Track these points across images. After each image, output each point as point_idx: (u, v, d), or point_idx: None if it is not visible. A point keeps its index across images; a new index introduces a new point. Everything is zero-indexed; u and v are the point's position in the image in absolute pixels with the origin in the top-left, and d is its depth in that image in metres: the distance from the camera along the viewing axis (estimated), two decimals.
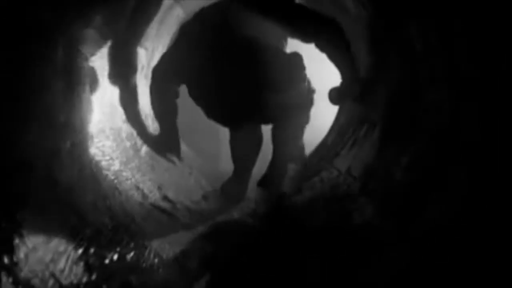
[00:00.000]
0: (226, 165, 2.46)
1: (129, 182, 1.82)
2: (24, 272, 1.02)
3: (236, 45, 1.93)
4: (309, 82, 2.12)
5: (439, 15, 1.09)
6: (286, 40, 2.11)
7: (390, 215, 1.17)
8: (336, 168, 1.78)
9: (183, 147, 2.98)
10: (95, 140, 1.71)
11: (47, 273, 1.09)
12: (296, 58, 2.07)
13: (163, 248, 1.47)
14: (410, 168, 1.17)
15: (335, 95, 1.80)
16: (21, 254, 1.04)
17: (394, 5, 1.32)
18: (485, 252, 0.82)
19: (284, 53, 2.08)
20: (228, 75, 1.93)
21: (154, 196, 1.90)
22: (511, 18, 0.84)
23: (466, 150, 0.96)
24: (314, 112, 2.25)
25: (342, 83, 1.77)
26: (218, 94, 2.00)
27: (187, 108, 2.32)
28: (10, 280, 0.96)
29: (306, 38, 1.81)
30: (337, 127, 2.29)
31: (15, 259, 1.01)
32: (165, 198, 1.94)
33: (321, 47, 1.76)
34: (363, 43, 1.80)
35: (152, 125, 2.47)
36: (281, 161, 2.24)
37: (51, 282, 1.08)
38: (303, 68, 2.08)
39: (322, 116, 2.11)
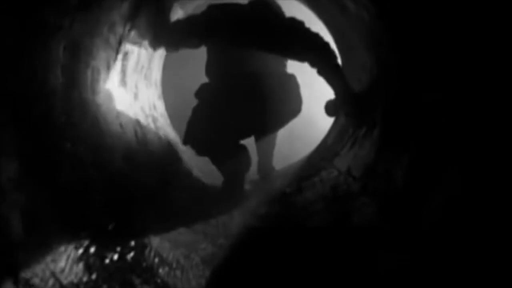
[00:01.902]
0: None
1: (129, 182, 1.82)
2: (24, 272, 1.02)
3: (239, 80, 2.16)
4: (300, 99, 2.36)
5: (438, 16, 1.09)
6: (283, 63, 2.35)
7: (390, 215, 1.17)
8: (336, 168, 1.78)
9: (183, 147, 2.98)
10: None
11: (47, 273, 1.09)
12: (292, 78, 2.33)
13: (163, 248, 1.47)
14: (410, 168, 1.17)
15: (330, 107, 1.93)
16: (21, 254, 1.04)
17: (395, 5, 1.32)
18: (486, 252, 0.82)
19: (280, 76, 2.31)
20: (233, 102, 2.15)
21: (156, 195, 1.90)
22: (509, 19, 0.85)
23: (466, 150, 0.96)
24: (314, 112, 2.30)
25: (336, 97, 1.88)
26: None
27: (187, 108, 2.32)
28: (11, 279, 0.97)
29: (297, 59, 1.99)
30: (337, 127, 2.30)
31: (15, 259, 1.01)
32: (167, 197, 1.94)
33: (312, 65, 1.90)
34: (363, 43, 1.80)
35: (153, 125, 2.47)
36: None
37: (51, 281, 1.08)
38: (297, 86, 2.34)
39: (322, 116, 2.13)
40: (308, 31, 1.91)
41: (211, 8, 2.06)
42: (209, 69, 2.28)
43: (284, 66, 2.35)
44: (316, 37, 1.89)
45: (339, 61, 1.87)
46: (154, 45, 2.14)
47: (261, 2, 2.07)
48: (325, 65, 1.84)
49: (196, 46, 2.19)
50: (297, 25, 1.93)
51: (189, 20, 2.12)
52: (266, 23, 1.96)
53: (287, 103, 2.26)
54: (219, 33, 2.04)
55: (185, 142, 2.26)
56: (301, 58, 1.93)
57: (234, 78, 2.15)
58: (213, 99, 2.18)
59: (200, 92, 2.26)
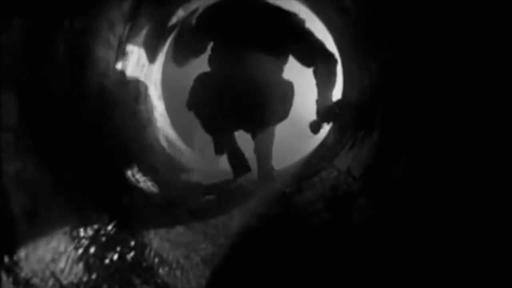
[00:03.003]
0: (226, 165, 2.48)
1: (130, 181, 1.83)
2: (25, 272, 1.02)
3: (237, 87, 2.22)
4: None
5: (438, 16, 1.09)
6: (282, 70, 2.41)
7: (390, 215, 1.17)
8: (336, 168, 1.78)
9: (183, 147, 2.98)
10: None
11: (47, 273, 1.09)
12: (288, 85, 2.39)
13: (163, 248, 1.47)
14: (410, 168, 1.17)
15: (314, 126, 2.16)
16: (21, 253, 1.04)
17: (395, 6, 1.33)
18: (485, 251, 0.82)
19: (278, 84, 2.37)
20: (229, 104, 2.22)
21: (155, 195, 1.90)
22: (509, 19, 0.85)
23: (466, 150, 0.96)
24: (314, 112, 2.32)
25: (317, 111, 2.11)
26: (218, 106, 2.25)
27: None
28: (11, 279, 0.97)
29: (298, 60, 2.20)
30: (337, 127, 2.30)
31: (15, 258, 1.02)
32: (166, 197, 1.95)
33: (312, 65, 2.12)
34: (363, 43, 1.80)
35: (154, 125, 2.47)
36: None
37: (51, 281, 1.09)
38: (292, 94, 2.41)
39: None
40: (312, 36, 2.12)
41: (209, 9, 2.15)
42: (211, 60, 2.35)
43: (281, 71, 2.40)
44: (323, 44, 2.11)
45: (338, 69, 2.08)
46: (152, 59, 2.29)
47: None
48: (323, 69, 2.05)
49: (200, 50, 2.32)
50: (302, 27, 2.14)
51: (190, 34, 2.29)
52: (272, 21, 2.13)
53: (281, 104, 2.33)
54: (221, 31, 2.12)
55: (189, 108, 2.30)
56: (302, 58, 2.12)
57: (233, 70, 2.23)
58: (211, 83, 2.25)
59: (199, 78, 2.32)
